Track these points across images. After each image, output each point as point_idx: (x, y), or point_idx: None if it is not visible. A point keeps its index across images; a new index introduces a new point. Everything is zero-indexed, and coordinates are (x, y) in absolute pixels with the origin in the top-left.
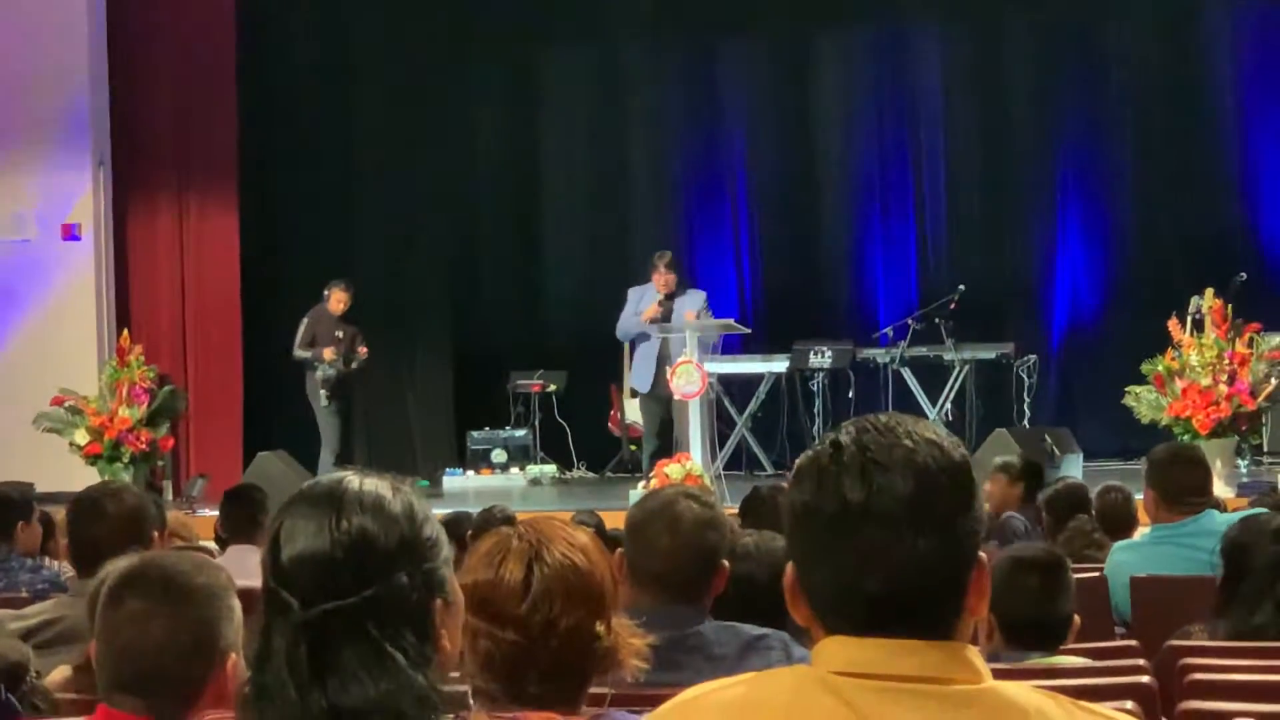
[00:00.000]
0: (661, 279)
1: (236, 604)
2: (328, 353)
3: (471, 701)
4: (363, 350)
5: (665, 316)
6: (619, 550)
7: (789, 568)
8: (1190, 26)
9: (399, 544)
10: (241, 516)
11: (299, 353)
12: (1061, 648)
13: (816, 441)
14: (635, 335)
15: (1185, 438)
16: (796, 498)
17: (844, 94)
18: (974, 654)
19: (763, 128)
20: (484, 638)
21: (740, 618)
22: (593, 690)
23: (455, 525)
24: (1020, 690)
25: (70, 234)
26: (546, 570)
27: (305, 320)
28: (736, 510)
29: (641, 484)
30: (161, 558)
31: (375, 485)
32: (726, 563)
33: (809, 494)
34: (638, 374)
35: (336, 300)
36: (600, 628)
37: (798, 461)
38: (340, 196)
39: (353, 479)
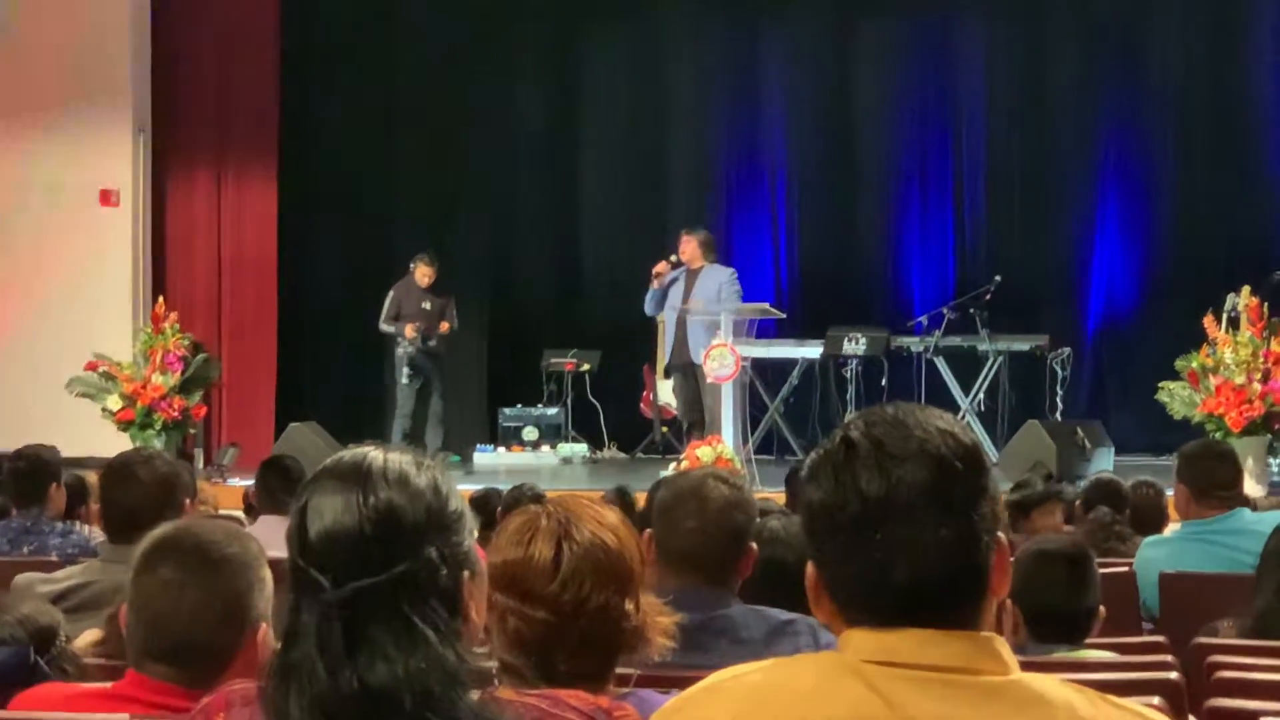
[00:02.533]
0: (680, 247)
1: (268, 574)
2: (409, 329)
3: (496, 680)
4: (444, 326)
5: (685, 294)
6: (647, 531)
7: (809, 566)
8: (1235, 21)
9: (426, 518)
10: (278, 487)
11: (384, 326)
12: (1088, 641)
13: (825, 439)
14: (654, 305)
15: (1218, 435)
16: (814, 496)
17: (886, 81)
18: (1002, 645)
19: (803, 112)
20: (513, 616)
21: (767, 601)
22: (619, 670)
23: (484, 502)
24: (1048, 683)
25: (108, 200)
26: (576, 549)
27: (391, 293)
28: (767, 493)
29: (673, 465)
30: (195, 526)
31: (400, 460)
32: (754, 545)
33: (826, 491)
34: (666, 349)
35: (421, 273)
36: (629, 606)
37: (809, 459)
38: (379, 170)
39: (376, 454)
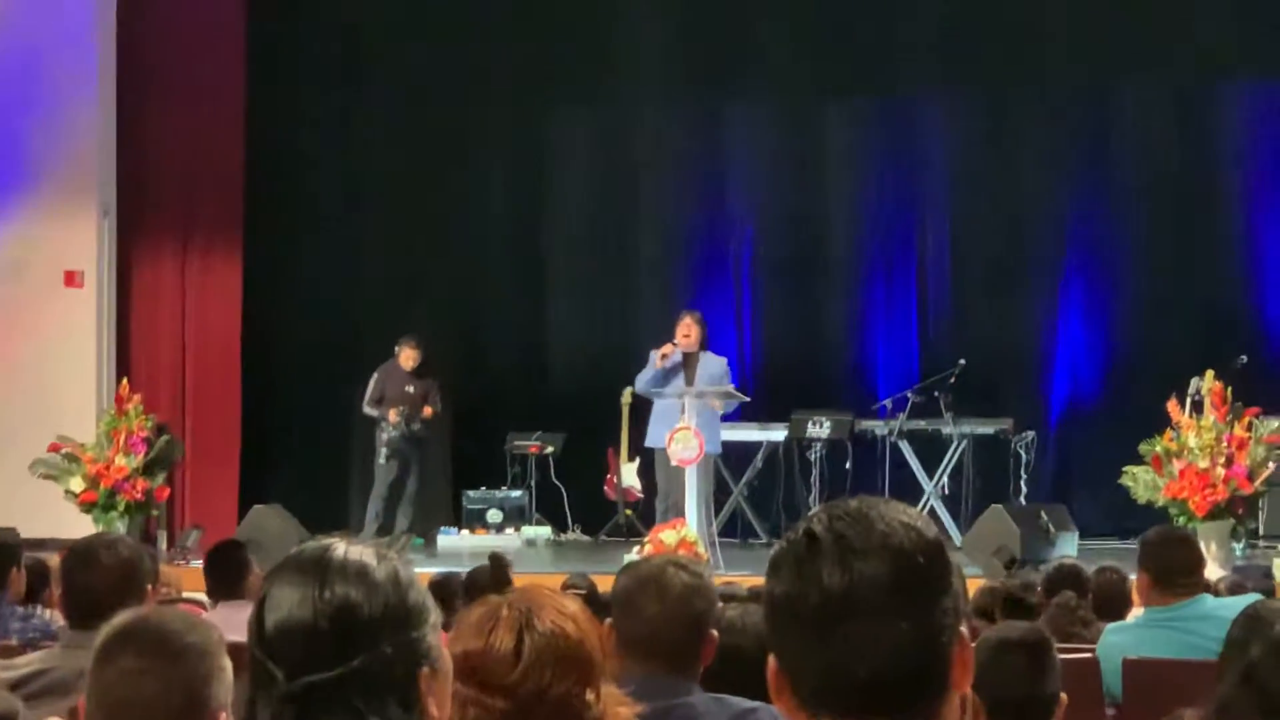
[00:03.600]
0: (682, 330)
1: (228, 663)
2: (392, 414)
3: None
4: (428, 411)
5: (688, 378)
6: (608, 620)
7: (771, 659)
8: (1201, 105)
9: (384, 613)
10: (224, 575)
11: (367, 409)
12: None
13: (789, 532)
14: (652, 385)
15: (1181, 519)
16: (776, 589)
17: (850, 162)
18: None
19: (768, 194)
20: (473, 706)
21: (726, 690)
22: None
23: (444, 585)
24: None
25: (73, 281)
26: (537, 638)
27: (375, 375)
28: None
29: (637, 548)
30: (154, 615)
31: (361, 553)
32: (715, 633)
33: (789, 584)
34: (653, 431)
35: (406, 356)
36: (590, 696)
37: (772, 553)
38: (344, 251)
39: (339, 546)
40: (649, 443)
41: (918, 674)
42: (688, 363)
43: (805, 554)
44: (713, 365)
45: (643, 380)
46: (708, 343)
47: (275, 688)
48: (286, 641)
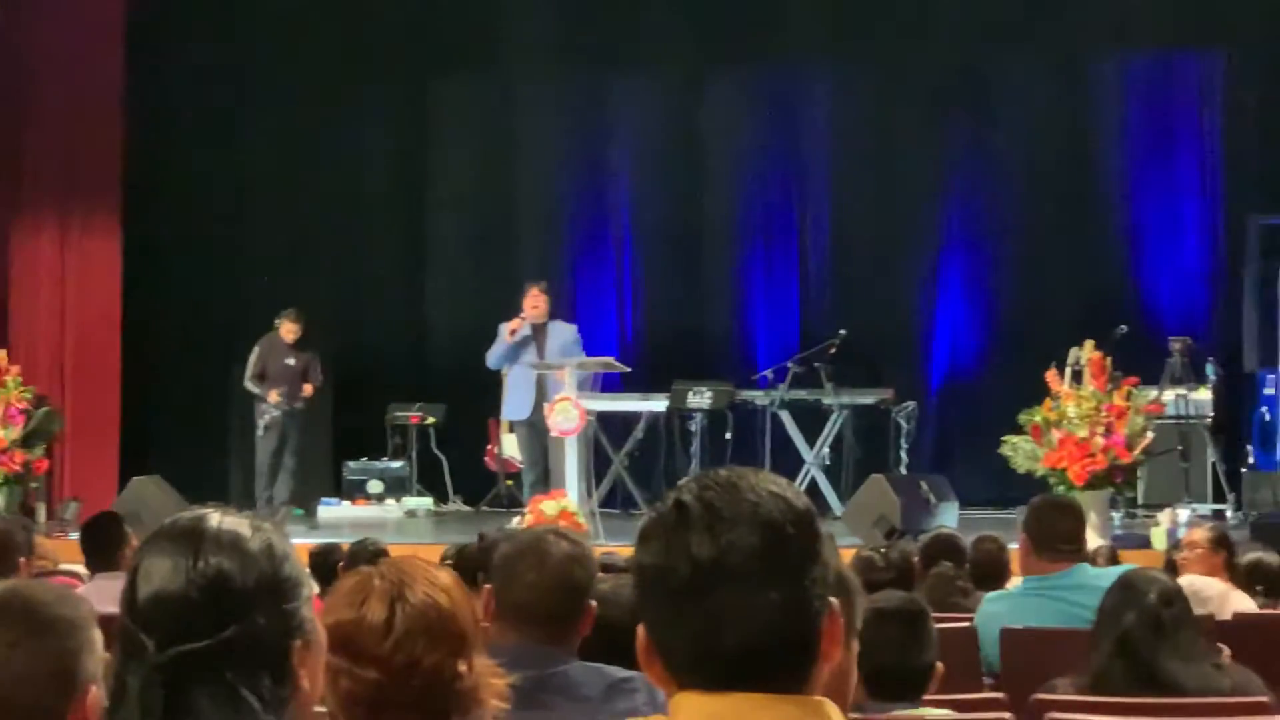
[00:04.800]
0: (530, 301)
1: (98, 635)
2: (273, 395)
3: None
4: (308, 388)
5: (539, 349)
6: (487, 586)
7: (640, 629)
8: (1080, 77)
9: (256, 584)
10: (100, 547)
11: (249, 384)
12: (927, 698)
13: (658, 503)
14: (504, 360)
15: (1061, 489)
16: (645, 560)
17: (733, 135)
18: (832, 709)
19: (650, 164)
20: (345, 677)
21: (603, 660)
22: None
23: (326, 556)
24: None
25: None
26: (409, 610)
27: (256, 349)
28: (611, 546)
29: (517, 519)
30: (23, 587)
31: (235, 524)
32: (594, 603)
33: (657, 555)
34: (509, 403)
35: (286, 330)
36: (462, 667)
37: (642, 524)
38: (225, 222)
39: (213, 517)
40: (506, 415)
41: (787, 644)
42: (537, 333)
43: (674, 524)
44: (563, 333)
45: (493, 355)
46: (565, 314)
47: (146, 657)
48: (159, 611)
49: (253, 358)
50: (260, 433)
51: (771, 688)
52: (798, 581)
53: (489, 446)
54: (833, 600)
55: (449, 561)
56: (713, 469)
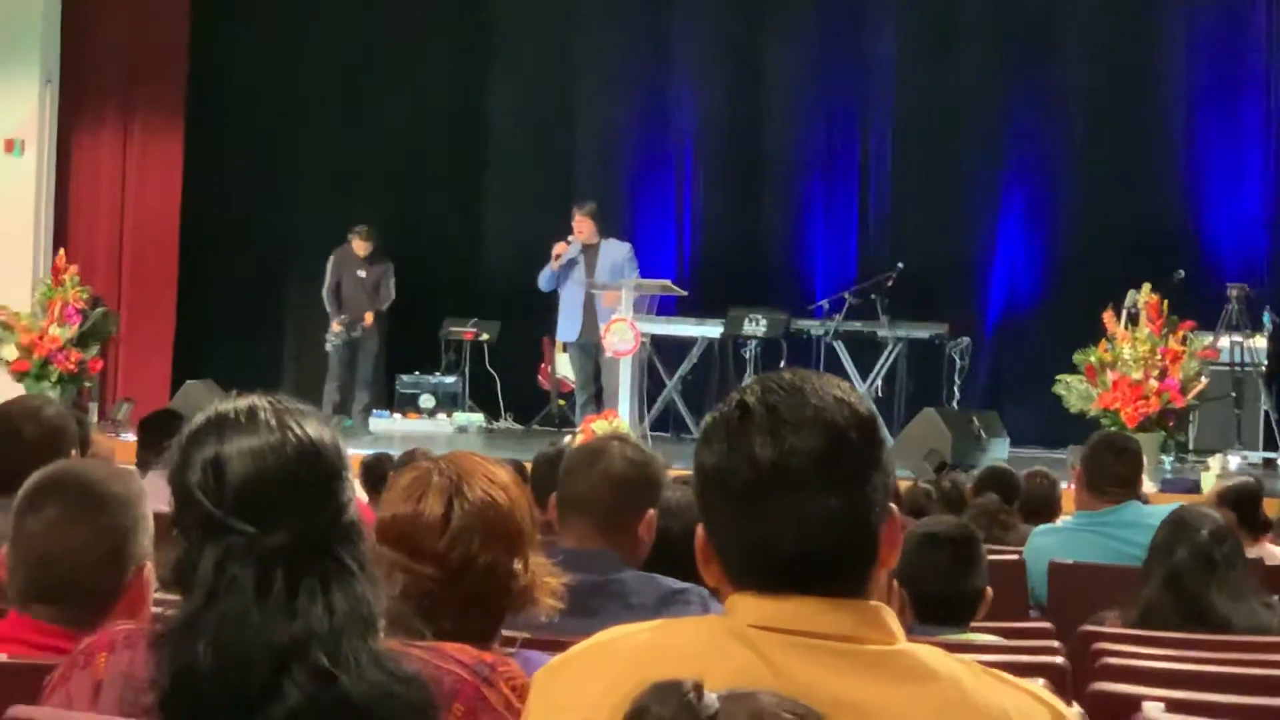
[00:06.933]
0: (576, 225)
1: (149, 513)
2: (335, 326)
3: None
4: (369, 317)
5: (589, 269)
6: (554, 493)
7: (699, 529)
8: (1145, 17)
9: (337, 462)
10: (157, 442)
11: (326, 295)
12: (975, 624)
13: (722, 403)
14: (553, 282)
15: (1112, 430)
16: (707, 460)
17: (795, 61)
18: (889, 614)
19: (713, 90)
20: (401, 571)
21: (666, 573)
22: (506, 633)
23: (376, 466)
24: (933, 653)
25: (12, 149)
26: (466, 506)
27: (331, 260)
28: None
29: (568, 438)
30: (78, 465)
31: (298, 406)
32: (654, 511)
33: (719, 456)
34: (562, 324)
35: (357, 246)
36: (518, 566)
37: (704, 422)
38: (286, 129)
39: (265, 402)
40: (559, 335)
41: (846, 549)
42: (588, 254)
43: (737, 426)
44: (615, 252)
45: (543, 278)
46: (620, 234)
47: (253, 543)
48: (258, 496)
49: (327, 269)
50: (328, 348)
51: (829, 592)
52: (859, 487)
53: (542, 365)
54: (893, 506)
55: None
56: (777, 371)
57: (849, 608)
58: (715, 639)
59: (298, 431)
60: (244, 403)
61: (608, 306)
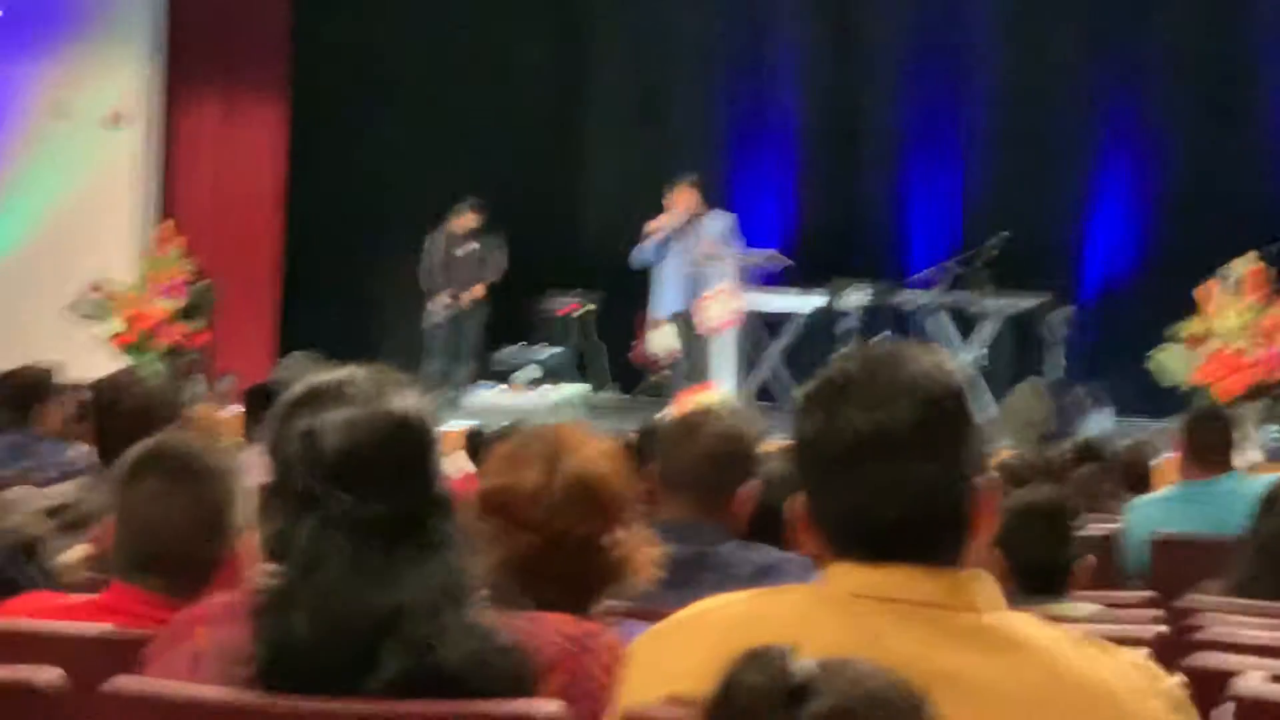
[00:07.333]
0: (677, 197)
1: (249, 486)
2: (442, 298)
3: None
4: (478, 290)
5: (692, 240)
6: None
7: (798, 497)
8: None
9: (428, 434)
10: (263, 415)
11: (429, 274)
12: (1075, 594)
13: (821, 371)
14: (649, 258)
15: (1211, 402)
16: (806, 428)
17: (895, 33)
18: (989, 582)
19: (813, 61)
20: (501, 540)
21: (767, 542)
22: (607, 604)
23: (474, 438)
24: (1030, 623)
25: (117, 122)
26: (565, 477)
27: (436, 235)
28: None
29: (667, 408)
30: (175, 439)
31: (394, 377)
32: (754, 482)
33: (817, 424)
34: (659, 297)
35: (466, 218)
36: (616, 535)
37: (802, 391)
38: (388, 102)
39: (360, 373)
40: (656, 310)
41: (942, 516)
42: (690, 227)
43: (837, 394)
44: (718, 223)
45: (639, 254)
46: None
47: (354, 513)
48: (355, 467)
49: (431, 244)
50: (426, 324)
51: (927, 560)
52: (954, 455)
53: (635, 343)
54: (992, 475)
55: None
56: (874, 341)
57: (946, 576)
58: (812, 607)
59: (389, 403)
60: (338, 375)
61: (709, 276)
